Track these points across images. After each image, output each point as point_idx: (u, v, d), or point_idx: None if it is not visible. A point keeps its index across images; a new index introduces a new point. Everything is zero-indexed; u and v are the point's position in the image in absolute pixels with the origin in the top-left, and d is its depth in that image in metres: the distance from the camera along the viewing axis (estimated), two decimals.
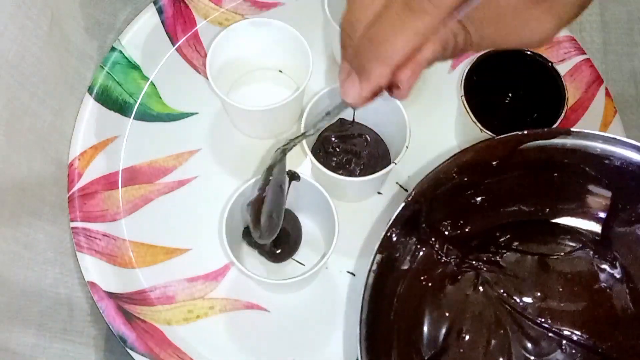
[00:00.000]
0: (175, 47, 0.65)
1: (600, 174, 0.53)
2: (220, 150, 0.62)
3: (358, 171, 0.58)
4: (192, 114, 0.63)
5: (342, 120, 0.60)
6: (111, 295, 0.56)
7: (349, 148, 0.59)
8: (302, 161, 0.61)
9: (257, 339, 0.56)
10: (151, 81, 0.64)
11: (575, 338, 0.53)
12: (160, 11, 0.65)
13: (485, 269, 0.55)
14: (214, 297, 0.57)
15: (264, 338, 0.56)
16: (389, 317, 0.52)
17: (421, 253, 0.54)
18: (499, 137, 0.52)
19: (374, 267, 0.50)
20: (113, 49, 0.64)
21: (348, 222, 0.55)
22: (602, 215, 0.55)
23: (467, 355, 0.53)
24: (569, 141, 0.51)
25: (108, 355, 0.58)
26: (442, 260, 0.55)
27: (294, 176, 0.55)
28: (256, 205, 0.50)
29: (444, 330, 0.54)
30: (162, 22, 0.65)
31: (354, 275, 0.58)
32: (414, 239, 0.53)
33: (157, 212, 0.60)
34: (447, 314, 0.54)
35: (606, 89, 0.64)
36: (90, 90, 0.62)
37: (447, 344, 0.53)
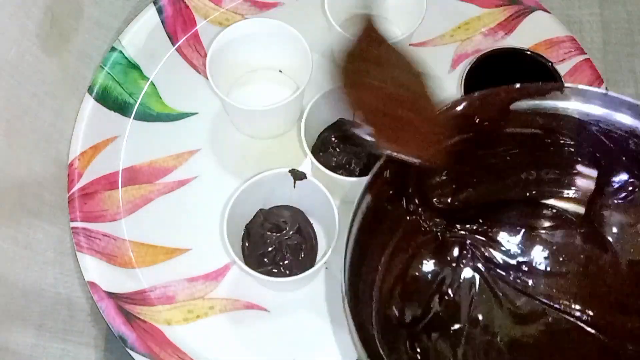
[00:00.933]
0: (175, 47, 0.65)
1: (587, 145, 0.52)
2: (220, 150, 0.62)
3: (358, 171, 0.58)
4: (192, 114, 0.63)
5: (342, 120, 0.60)
6: (111, 295, 0.56)
7: (349, 148, 0.59)
8: (302, 161, 0.61)
9: (257, 339, 0.56)
10: (151, 81, 0.64)
11: (559, 307, 0.53)
12: (160, 11, 0.65)
13: (470, 240, 0.55)
14: (214, 297, 0.57)
15: (264, 338, 0.56)
16: (371, 279, 0.51)
17: (407, 218, 0.53)
18: (491, 88, 0.51)
19: (364, 207, 0.48)
20: (113, 49, 0.64)
21: (348, 222, 0.55)
22: (587, 196, 0.55)
23: (449, 320, 0.53)
24: (560, 103, 0.51)
25: (108, 355, 0.58)
26: (427, 229, 0.54)
27: (298, 175, 0.55)
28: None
29: (427, 296, 0.53)
30: (162, 22, 0.65)
31: None
32: (403, 202, 0.52)
33: (157, 212, 0.60)
34: (430, 280, 0.53)
35: (606, 88, 0.63)
36: (90, 90, 0.62)
37: (429, 309, 0.53)
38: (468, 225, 0.55)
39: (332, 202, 0.53)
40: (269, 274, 0.55)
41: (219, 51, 0.59)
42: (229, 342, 0.56)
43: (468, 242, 0.55)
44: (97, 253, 0.58)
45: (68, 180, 0.60)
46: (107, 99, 0.63)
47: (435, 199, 0.54)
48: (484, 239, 0.55)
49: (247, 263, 0.54)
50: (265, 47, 0.61)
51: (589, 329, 0.52)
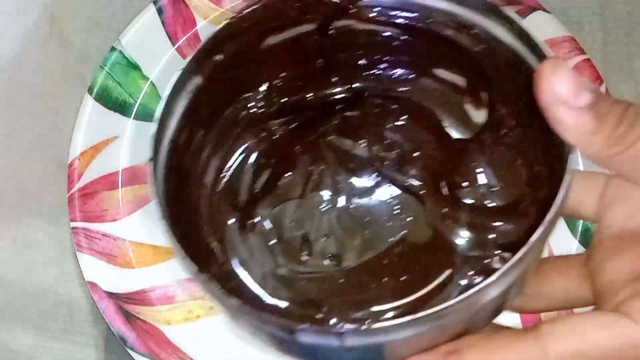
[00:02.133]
0: (175, 47, 0.65)
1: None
2: None
3: None
4: None
5: None
6: (111, 295, 0.56)
7: None
8: None
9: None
10: (151, 81, 0.64)
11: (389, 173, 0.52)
12: (160, 11, 0.65)
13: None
14: None
15: None
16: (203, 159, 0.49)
17: (251, 111, 0.51)
18: None
19: (191, 87, 0.46)
20: (113, 49, 0.64)
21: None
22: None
23: (285, 195, 0.51)
24: None
25: (108, 355, 0.58)
26: (270, 121, 0.52)
27: None
28: None
29: (264, 178, 0.52)
30: (162, 22, 0.65)
31: None
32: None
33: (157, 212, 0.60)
34: (272, 160, 0.52)
35: (606, 88, 0.64)
36: (90, 90, 0.62)
37: (266, 188, 0.51)
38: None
39: None
40: None
41: None
42: (229, 342, 0.56)
43: (311, 131, 0.53)
44: (97, 253, 0.58)
45: (68, 180, 0.60)
46: (107, 99, 0.63)
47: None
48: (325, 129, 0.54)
49: None
50: None
51: (410, 196, 0.51)
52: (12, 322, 0.50)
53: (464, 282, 0.48)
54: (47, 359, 0.53)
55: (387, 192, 0.53)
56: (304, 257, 0.51)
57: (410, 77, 0.53)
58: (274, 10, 0.49)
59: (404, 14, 0.49)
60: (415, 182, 0.53)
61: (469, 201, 0.51)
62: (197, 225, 0.49)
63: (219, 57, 0.48)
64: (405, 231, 0.52)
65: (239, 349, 0.56)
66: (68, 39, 0.59)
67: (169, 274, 0.58)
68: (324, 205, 0.53)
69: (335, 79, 0.54)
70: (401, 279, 0.50)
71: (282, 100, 0.53)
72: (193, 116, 0.47)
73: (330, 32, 0.51)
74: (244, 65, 0.50)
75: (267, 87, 0.52)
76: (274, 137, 0.54)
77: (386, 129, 0.55)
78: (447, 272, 0.49)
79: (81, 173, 0.60)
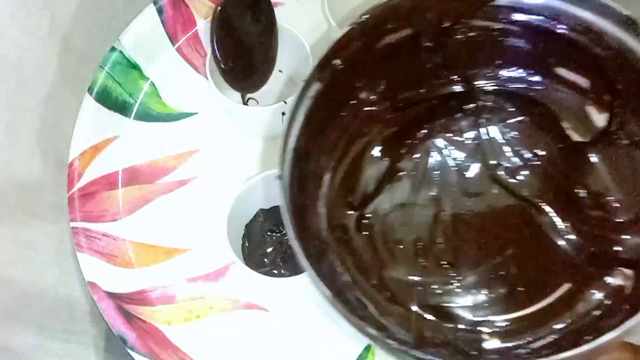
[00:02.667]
0: (175, 47, 0.65)
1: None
2: (220, 150, 0.62)
3: None
4: (192, 114, 0.63)
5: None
6: (111, 295, 0.56)
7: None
8: None
9: (257, 339, 0.56)
10: (151, 81, 0.64)
11: (504, 180, 0.53)
12: (160, 11, 0.65)
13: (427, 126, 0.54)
14: (214, 297, 0.57)
15: (263, 338, 0.56)
16: (322, 165, 0.50)
17: (364, 109, 0.52)
18: None
19: (311, 94, 0.47)
20: (113, 49, 0.64)
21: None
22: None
23: (400, 196, 0.52)
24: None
25: (108, 355, 0.58)
26: (385, 119, 0.53)
27: None
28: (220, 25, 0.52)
29: (381, 175, 0.53)
30: (162, 22, 0.65)
31: None
32: (359, 92, 0.52)
33: (157, 212, 0.60)
34: (385, 158, 0.53)
35: None
36: (90, 90, 0.62)
37: (382, 188, 0.52)
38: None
39: None
40: (269, 274, 0.55)
41: None
42: (229, 342, 0.56)
43: (424, 128, 0.54)
44: (97, 253, 0.58)
45: (68, 180, 0.60)
46: (107, 99, 0.63)
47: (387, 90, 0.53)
48: (436, 122, 0.55)
49: (247, 263, 0.54)
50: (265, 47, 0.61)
51: (528, 206, 0.52)
52: (12, 322, 0.50)
53: (587, 297, 0.47)
54: (47, 359, 0.53)
55: (501, 199, 0.53)
56: (422, 263, 0.51)
57: (531, 77, 0.53)
58: (398, 12, 0.49)
59: (532, 16, 0.49)
60: (533, 189, 0.52)
61: (591, 212, 0.50)
62: (317, 228, 0.49)
63: (337, 61, 0.48)
64: (521, 241, 0.51)
65: (238, 349, 0.56)
66: (68, 39, 0.59)
67: (169, 274, 0.58)
68: (436, 209, 0.53)
69: (454, 76, 0.54)
70: (518, 289, 0.49)
71: (397, 97, 0.53)
72: (312, 121, 0.48)
73: (453, 30, 0.51)
74: (361, 66, 0.50)
75: (384, 85, 0.52)
76: (387, 135, 0.54)
77: (503, 129, 0.54)
78: (567, 286, 0.48)
79: (81, 173, 0.60)
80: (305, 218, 0.48)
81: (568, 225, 0.50)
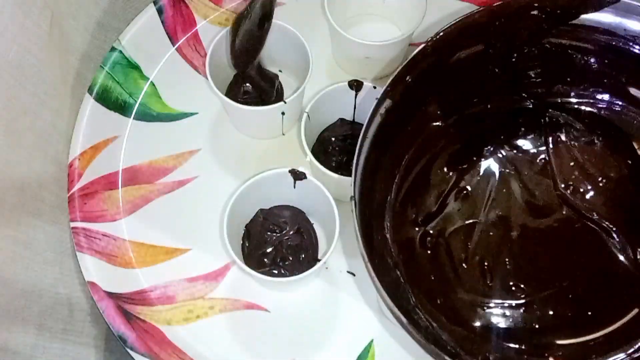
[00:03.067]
0: (175, 47, 0.65)
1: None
2: (220, 150, 0.62)
3: None
4: (192, 114, 0.63)
5: (341, 120, 0.60)
6: (111, 295, 0.56)
7: (349, 148, 0.59)
8: (302, 161, 0.61)
9: (257, 339, 0.56)
10: (151, 81, 0.64)
11: (573, 202, 0.52)
12: (160, 11, 0.65)
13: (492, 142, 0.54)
14: (214, 297, 0.57)
15: (264, 338, 0.56)
16: (388, 181, 0.51)
17: (431, 124, 0.52)
18: None
19: (382, 110, 0.48)
20: (113, 49, 0.64)
21: (348, 222, 0.55)
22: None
23: (464, 214, 0.52)
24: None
25: (108, 355, 0.58)
26: (450, 135, 0.53)
27: (298, 175, 0.55)
28: (236, 23, 0.52)
29: (444, 193, 0.53)
30: (162, 22, 0.65)
31: (354, 275, 0.58)
32: (426, 108, 0.52)
33: (157, 212, 0.60)
34: (450, 174, 0.53)
35: None
36: (90, 90, 0.62)
37: (444, 205, 0.52)
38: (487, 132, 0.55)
39: (332, 202, 0.53)
40: (269, 274, 0.55)
41: (218, 51, 0.59)
42: (229, 342, 0.56)
43: (489, 144, 0.54)
44: (97, 253, 0.58)
45: (68, 180, 0.60)
46: (107, 99, 0.63)
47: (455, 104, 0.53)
48: (503, 138, 0.54)
49: (247, 263, 0.54)
50: (265, 47, 0.61)
51: (597, 228, 0.51)
52: (12, 322, 0.50)
53: None
54: (47, 359, 0.53)
55: (570, 221, 0.52)
56: (488, 283, 0.50)
57: (603, 96, 0.53)
58: (472, 29, 0.50)
59: (607, 36, 0.49)
60: (602, 211, 0.52)
61: None
62: (385, 242, 0.49)
63: (409, 78, 0.49)
64: (589, 264, 0.50)
65: (238, 349, 0.56)
66: (68, 39, 0.59)
67: (169, 274, 0.58)
68: (502, 228, 0.52)
69: (524, 93, 0.54)
70: (586, 313, 0.49)
71: (465, 112, 0.53)
72: (381, 139, 0.48)
73: (526, 48, 0.51)
74: (431, 82, 0.51)
75: (452, 100, 0.53)
76: (452, 151, 0.54)
77: (571, 148, 0.54)
78: (635, 312, 0.48)
79: (81, 173, 0.60)
80: (372, 236, 0.48)
81: (638, 249, 0.50)
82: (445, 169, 0.53)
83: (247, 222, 0.58)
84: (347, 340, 0.56)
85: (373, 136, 0.48)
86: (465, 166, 0.54)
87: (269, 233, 0.57)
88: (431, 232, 0.52)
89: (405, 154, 0.52)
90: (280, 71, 0.64)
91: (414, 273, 0.50)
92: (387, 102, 0.48)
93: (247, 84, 0.61)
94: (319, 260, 0.53)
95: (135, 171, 0.61)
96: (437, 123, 0.53)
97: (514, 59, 0.52)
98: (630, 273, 0.50)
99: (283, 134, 0.62)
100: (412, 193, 0.52)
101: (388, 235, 0.50)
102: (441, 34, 0.49)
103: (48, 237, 0.55)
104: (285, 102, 0.56)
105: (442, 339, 0.47)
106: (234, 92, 0.61)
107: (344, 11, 0.63)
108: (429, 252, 0.51)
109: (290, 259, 0.56)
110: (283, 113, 0.58)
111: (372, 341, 0.56)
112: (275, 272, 0.56)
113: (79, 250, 0.57)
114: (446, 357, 0.41)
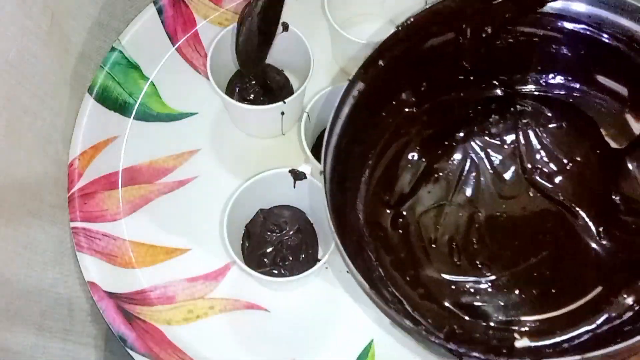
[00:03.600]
0: (175, 47, 0.65)
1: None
2: (220, 150, 0.62)
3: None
4: (192, 114, 0.63)
5: None
6: (111, 295, 0.56)
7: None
8: (302, 161, 0.61)
9: (257, 339, 0.56)
10: (151, 81, 0.64)
11: (541, 185, 0.53)
12: (160, 11, 0.66)
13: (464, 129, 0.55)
14: (214, 297, 0.57)
15: (264, 338, 0.56)
16: (362, 164, 0.52)
17: (405, 110, 0.54)
18: None
19: (355, 93, 0.49)
20: (113, 49, 0.64)
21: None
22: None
23: (436, 196, 0.53)
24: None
25: (108, 355, 0.58)
26: (424, 121, 0.54)
27: (298, 175, 0.55)
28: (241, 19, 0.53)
29: (417, 177, 0.54)
30: (162, 22, 0.65)
31: None
32: (401, 94, 0.53)
33: (157, 212, 0.60)
34: (423, 159, 0.54)
35: None
36: (90, 90, 0.62)
37: (417, 188, 0.53)
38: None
39: None
40: (269, 274, 0.55)
41: (219, 51, 0.59)
42: (229, 342, 0.56)
43: (461, 130, 0.55)
44: (97, 253, 0.58)
45: (68, 180, 0.60)
46: (107, 99, 0.63)
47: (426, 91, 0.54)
48: (474, 124, 0.56)
49: (247, 263, 0.54)
50: None
51: (563, 210, 0.53)
52: (12, 322, 0.50)
53: (618, 301, 0.48)
54: (47, 358, 0.53)
55: (537, 202, 0.53)
56: (456, 262, 0.52)
57: (572, 83, 0.54)
58: (443, 16, 0.51)
59: (577, 24, 0.50)
60: (568, 194, 0.53)
61: (626, 218, 0.51)
62: (356, 226, 0.50)
63: (382, 62, 0.50)
64: (555, 244, 0.52)
65: (238, 349, 0.56)
66: (68, 39, 0.59)
67: (169, 274, 0.58)
68: (470, 209, 0.54)
69: (495, 81, 0.55)
70: (550, 291, 0.50)
71: (438, 99, 0.54)
72: (354, 120, 0.49)
73: (496, 36, 0.52)
74: (404, 67, 0.52)
75: (425, 87, 0.54)
76: (425, 136, 0.55)
77: (540, 134, 0.55)
78: (598, 290, 0.49)
79: (81, 173, 0.60)
80: (344, 214, 0.49)
81: (602, 230, 0.51)
82: (418, 154, 0.54)
83: (247, 222, 0.58)
84: (347, 340, 0.56)
85: (346, 117, 0.49)
86: (439, 152, 0.55)
87: (269, 233, 0.57)
88: (403, 213, 0.53)
89: (380, 139, 0.53)
90: (281, 70, 0.64)
91: (385, 251, 0.51)
92: (360, 85, 0.49)
93: (254, 83, 0.61)
94: (319, 260, 0.53)
95: (135, 171, 0.61)
96: (411, 109, 0.54)
97: (484, 48, 0.53)
98: (594, 253, 0.51)
99: (283, 134, 0.62)
100: (386, 176, 0.53)
101: (360, 215, 0.51)
102: (411, 19, 0.50)
103: (48, 237, 0.55)
104: (284, 102, 0.56)
105: (410, 312, 0.48)
106: (234, 90, 0.61)
107: (344, 11, 0.63)
108: (400, 231, 0.52)
109: (290, 259, 0.56)
110: (282, 113, 0.58)
111: (372, 341, 0.56)
112: (275, 272, 0.56)
113: (79, 250, 0.57)
114: (407, 321, 0.42)
